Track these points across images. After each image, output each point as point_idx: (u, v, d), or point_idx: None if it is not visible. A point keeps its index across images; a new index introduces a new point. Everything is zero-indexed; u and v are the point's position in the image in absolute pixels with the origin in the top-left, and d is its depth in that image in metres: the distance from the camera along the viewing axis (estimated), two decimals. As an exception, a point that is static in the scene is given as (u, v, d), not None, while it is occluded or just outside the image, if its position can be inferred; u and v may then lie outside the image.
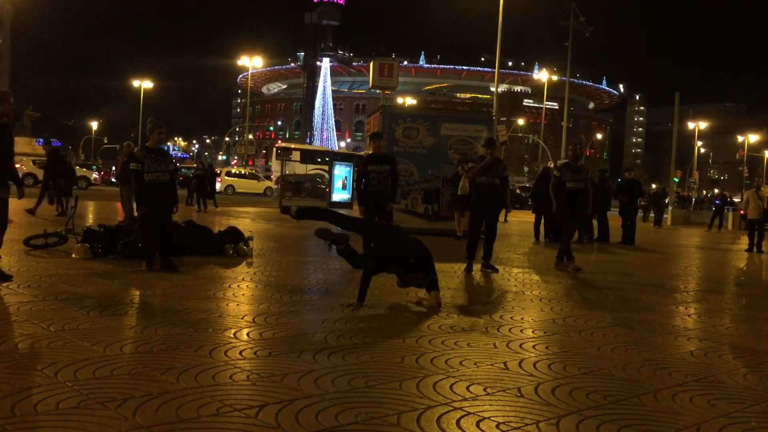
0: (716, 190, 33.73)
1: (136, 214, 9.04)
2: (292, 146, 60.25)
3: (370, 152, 10.53)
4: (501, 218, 25.87)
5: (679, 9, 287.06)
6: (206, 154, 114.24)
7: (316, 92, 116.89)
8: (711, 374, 4.62)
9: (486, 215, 9.81)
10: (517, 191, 43.50)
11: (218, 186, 41.79)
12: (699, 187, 70.95)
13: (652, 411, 3.77)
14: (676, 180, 56.27)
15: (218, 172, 42.93)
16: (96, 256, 8.97)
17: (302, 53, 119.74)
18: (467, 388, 4.01)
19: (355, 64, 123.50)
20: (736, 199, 43.42)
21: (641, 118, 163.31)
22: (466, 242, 10.03)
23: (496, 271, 9.64)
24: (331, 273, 8.84)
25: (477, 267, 9.75)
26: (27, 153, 51.09)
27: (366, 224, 8.26)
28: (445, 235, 14.65)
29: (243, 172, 48.08)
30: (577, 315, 6.57)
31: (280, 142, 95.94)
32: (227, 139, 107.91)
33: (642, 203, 28.86)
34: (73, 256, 8.92)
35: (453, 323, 5.88)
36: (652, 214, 32.34)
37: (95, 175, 44.40)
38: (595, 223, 16.69)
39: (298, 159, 47.92)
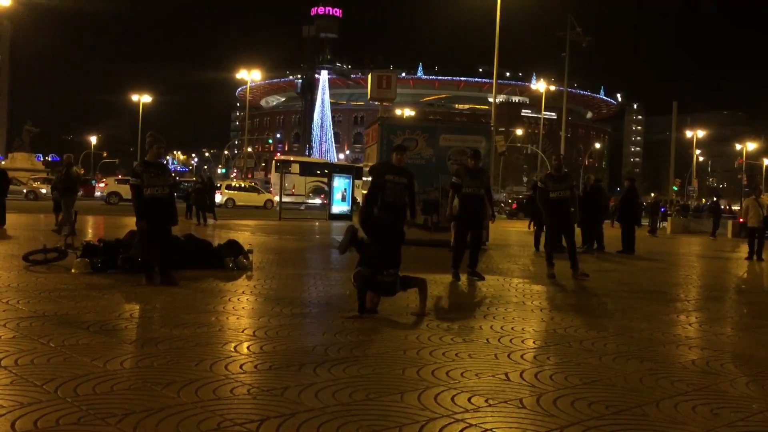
0: (715, 198, 33.72)
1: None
2: (291, 159, 60.39)
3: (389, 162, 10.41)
4: (529, 227, 26.05)
5: (677, 17, 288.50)
6: (205, 167, 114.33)
7: (314, 105, 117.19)
8: (713, 383, 4.61)
9: (471, 225, 9.87)
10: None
11: (219, 199, 42.06)
12: (698, 196, 71.05)
13: (655, 421, 3.75)
14: (675, 188, 56.38)
15: (219, 185, 43.18)
16: (96, 271, 8.96)
17: (300, 80, 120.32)
18: (469, 399, 4.00)
19: (353, 76, 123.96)
20: (735, 207, 43.36)
21: (639, 127, 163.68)
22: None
23: (483, 278, 9.72)
24: (332, 285, 8.82)
25: (465, 277, 9.76)
26: (27, 168, 51.09)
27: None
28: (445, 246, 14.64)
29: (243, 185, 48.14)
30: (577, 325, 6.56)
31: (278, 154, 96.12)
32: (226, 152, 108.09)
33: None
34: (73, 271, 8.91)
35: (454, 335, 5.87)
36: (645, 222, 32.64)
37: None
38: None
39: (298, 171, 48.01)
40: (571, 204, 10.75)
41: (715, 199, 33.66)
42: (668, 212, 36.85)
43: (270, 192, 48.88)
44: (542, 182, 11.06)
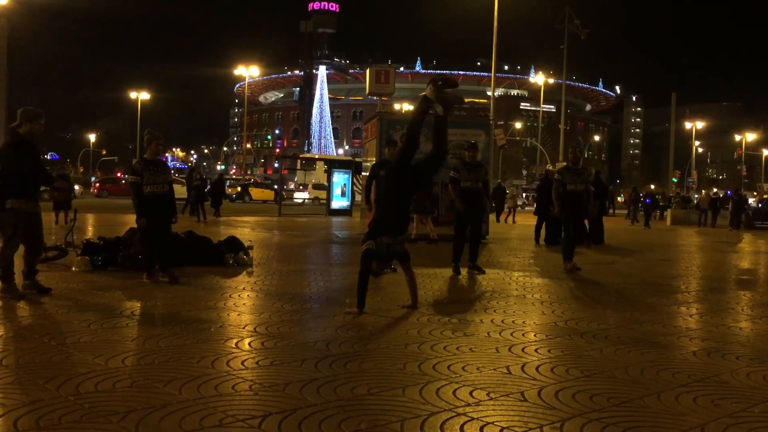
0: (735, 189, 34.26)
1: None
2: (316, 156, 61.45)
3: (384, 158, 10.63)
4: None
5: (674, 9, 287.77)
6: (204, 164, 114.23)
7: (313, 100, 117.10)
8: (714, 374, 4.61)
9: (470, 219, 9.87)
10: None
11: (307, 197, 44.70)
12: (698, 187, 71.05)
13: (656, 412, 3.76)
14: (675, 180, 56.40)
15: (304, 185, 44.93)
16: (96, 269, 8.97)
17: (297, 88, 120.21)
18: (470, 393, 4.00)
19: (351, 71, 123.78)
20: (751, 200, 43.44)
21: (638, 119, 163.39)
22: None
23: (483, 272, 9.72)
24: (332, 281, 8.83)
25: (465, 271, 9.76)
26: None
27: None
28: (444, 240, 14.65)
29: (321, 184, 49.67)
30: (578, 317, 6.57)
31: (278, 150, 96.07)
32: (225, 148, 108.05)
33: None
34: (74, 269, 8.92)
35: (454, 328, 5.87)
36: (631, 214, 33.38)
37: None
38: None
39: (323, 169, 49.04)
40: (584, 199, 10.62)
41: (736, 189, 34.11)
42: (657, 203, 36.89)
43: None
44: (560, 173, 10.99)
